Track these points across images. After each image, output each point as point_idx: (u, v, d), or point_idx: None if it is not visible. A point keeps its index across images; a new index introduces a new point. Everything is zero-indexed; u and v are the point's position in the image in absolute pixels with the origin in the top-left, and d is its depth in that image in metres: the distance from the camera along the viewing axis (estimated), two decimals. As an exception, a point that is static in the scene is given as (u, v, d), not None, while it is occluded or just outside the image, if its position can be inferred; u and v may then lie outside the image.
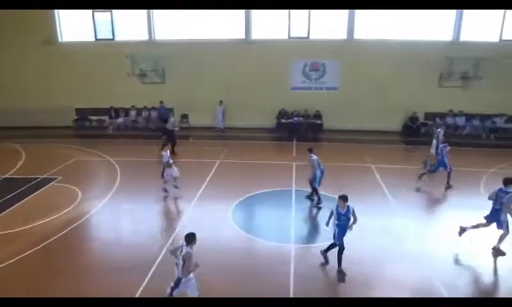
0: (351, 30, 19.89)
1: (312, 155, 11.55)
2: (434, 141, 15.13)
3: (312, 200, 11.86)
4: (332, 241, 8.51)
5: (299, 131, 19.90)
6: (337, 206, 8.31)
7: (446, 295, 7.76)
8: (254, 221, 11.56)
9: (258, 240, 10.01)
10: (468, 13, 19.07)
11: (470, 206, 12.21)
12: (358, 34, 19.93)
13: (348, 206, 8.24)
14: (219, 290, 7.63)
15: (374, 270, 8.65)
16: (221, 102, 20.79)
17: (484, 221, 9.46)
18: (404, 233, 10.32)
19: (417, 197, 12.70)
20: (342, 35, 20.05)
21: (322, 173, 11.45)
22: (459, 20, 19.23)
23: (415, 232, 10.42)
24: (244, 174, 14.62)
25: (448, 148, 13.23)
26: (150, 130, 21.19)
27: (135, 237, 10.23)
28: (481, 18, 19.06)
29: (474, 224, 9.59)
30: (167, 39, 20.83)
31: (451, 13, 19.24)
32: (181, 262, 6.57)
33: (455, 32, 19.42)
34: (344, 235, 8.35)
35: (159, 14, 20.81)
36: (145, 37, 21.02)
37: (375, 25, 19.74)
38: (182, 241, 6.77)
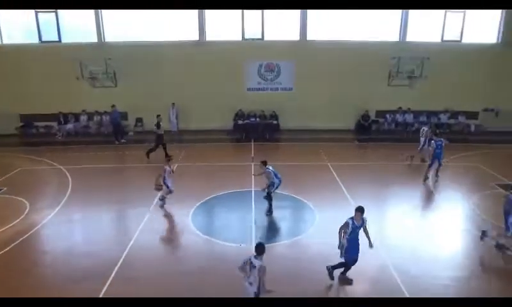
0: (303, 31, 20.30)
1: (267, 167, 11.16)
2: (422, 139, 16.04)
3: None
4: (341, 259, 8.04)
5: (256, 132, 20.01)
6: (352, 218, 7.83)
7: (399, 282, 8.11)
8: (215, 224, 11.44)
9: (219, 242, 9.92)
10: (412, 15, 20.08)
11: (419, 197, 12.93)
12: (311, 36, 20.37)
13: (363, 218, 7.85)
14: (180, 296, 7.47)
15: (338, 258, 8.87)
16: (173, 104, 20.42)
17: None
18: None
19: (371, 191, 13.18)
20: (296, 36, 20.42)
21: (280, 181, 11.29)
22: (404, 21, 20.21)
23: (372, 225, 10.78)
24: (202, 176, 14.46)
25: (446, 142, 14.10)
26: (103, 135, 20.42)
27: (90, 247, 9.77)
28: (425, 20, 20.18)
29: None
30: (118, 41, 20.17)
31: (397, 15, 20.18)
32: (257, 278, 6.14)
33: (401, 33, 20.40)
34: (356, 250, 7.94)
35: (108, 15, 20.10)
36: (94, 39, 20.23)
37: (327, 26, 20.27)
38: (248, 256, 6.33)
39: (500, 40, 20.47)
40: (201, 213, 11.54)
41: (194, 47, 20.32)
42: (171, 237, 10.34)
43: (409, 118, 21.01)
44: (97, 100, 20.49)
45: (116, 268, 8.59)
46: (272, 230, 10.79)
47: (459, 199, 12.97)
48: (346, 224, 7.85)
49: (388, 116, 21.11)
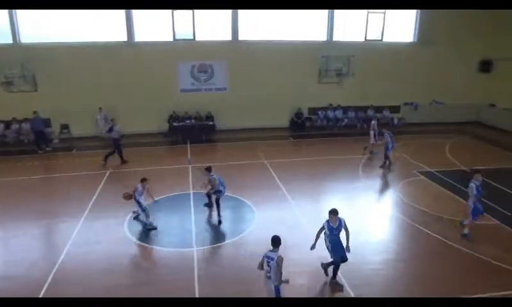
0: (235, 31, 20.37)
1: (211, 174, 10.92)
2: (372, 132, 16.72)
3: (209, 207, 11.63)
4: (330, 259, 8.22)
5: (192, 133, 19.70)
6: (328, 221, 7.92)
7: (338, 272, 8.44)
8: (153, 230, 11.06)
9: (158, 248, 9.62)
10: (338, 15, 21.05)
11: (352, 188, 13.60)
12: (243, 36, 20.51)
13: (340, 219, 7.92)
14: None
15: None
16: (100, 108, 19.38)
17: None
18: (297, 220, 10.99)
19: (308, 186, 13.62)
20: (227, 36, 20.43)
21: (224, 188, 11.09)
22: (331, 22, 21.13)
23: (308, 218, 11.15)
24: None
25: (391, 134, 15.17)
26: (24, 144, 18.79)
27: (12, 269, 8.89)
28: (349, 20, 21.27)
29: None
30: (37, 42, 18.63)
31: (324, 15, 21.04)
32: (275, 268, 6.43)
33: (328, 33, 21.30)
34: (341, 248, 8.00)
35: (24, 14, 18.48)
36: (8, 40, 18.50)
37: (259, 26, 20.54)
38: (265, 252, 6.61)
39: (416, 39, 22.22)
40: (138, 220, 11.08)
41: (123, 47, 19.46)
42: (106, 248, 9.78)
43: (339, 113, 22.01)
44: (15, 106, 18.75)
45: (43, 290, 7.91)
46: (213, 232, 10.68)
47: (386, 187, 13.91)
48: (322, 227, 8.00)
49: (320, 112, 21.95)
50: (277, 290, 6.60)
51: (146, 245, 9.78)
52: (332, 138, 19.94)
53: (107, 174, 14.57)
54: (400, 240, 10.35)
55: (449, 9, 19.96)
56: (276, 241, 6.65)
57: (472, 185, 9.84)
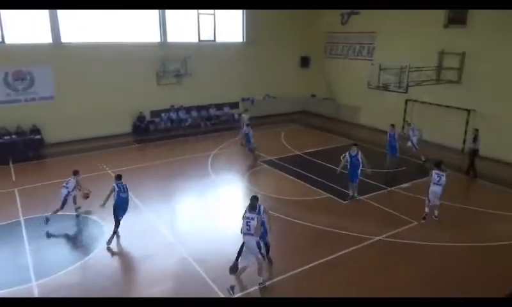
0: (56, 33, 18.15)
1: (116, 182, 9.81)
2: (244, 125, 17.23)
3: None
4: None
5: (14, 151, 16.78)
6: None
7: (202, 272, 8.44)
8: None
9: (-17, 294, 7.89)
10: (169, 16, 20.91)
11: (203, 185, 13.79)
12: (66, 38, 18.43)
13: (258, 205, 7.99)
14: None
15: (137, 267, 8.49)
16: None
17: None
18: (152, 226, 10.57)
19: (158, 190, 13.21)
20: (47, 39, 18.08)
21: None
22: (163, 23, 20.85)
23: (163, 221, 10.84)
24: None
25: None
26: None
27: None
28: (181, 21, 21.38)
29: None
30: None
31: (155, 16, 20.62)
32: (259, 222, 7.58)
33: (162, 35, 20.99)
34: (266, 234, 8.35)
35: None
36: None
37: (86, 28, 18.83)
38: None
39: (245, 39, 23.84)
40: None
41: None
42: None
43: (183, 114, 22.02)
44: None
45: None
46: (56, 258, 9.32)
47: (235, 180, 14.56)
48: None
49: (163, 115, 21.52)
50: (258, 244, 7.64)
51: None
52: (178, 139, 19.81)
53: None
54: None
55: (270, 12, 22.24)
56: (253, 203, 7.78)
57: (346, 155, 11.85)
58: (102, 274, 8.42)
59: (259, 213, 7.94)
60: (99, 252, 9.32)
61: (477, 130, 14.77)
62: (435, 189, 10.78)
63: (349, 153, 12.04)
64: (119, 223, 9.66)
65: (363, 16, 22.07)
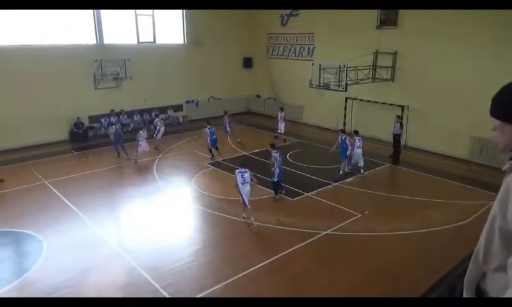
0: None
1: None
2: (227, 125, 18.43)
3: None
4: None
5: None
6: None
7: (151, 280, 8.19)
8: None
9: None
10: (105, 17, 20.03)
11: (150, 191, 13.39)
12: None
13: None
14: None
15: (82, 281, 8.05)
16: None
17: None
18: (97, 236, 10.07)
19: (101, 198, 12.62)
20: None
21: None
22: (98, 24, 19.93)
23: (109, 232, 10.38)
24: None
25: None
26: None
27: None
28: (118, 22, 20.59)
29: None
30: None
31: (89, 16, 19.66)
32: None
33: (98, 36, 20.05)
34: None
35: None
36: None
37: (14, 29, 17.48)
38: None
39: (186, 41, 23.50)
40: None
41: None
42: None
43: (124, 119, 21.20)
44: None
45: None
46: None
47: (183, 183, 14.31)
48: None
49: (103, 120, 20.57)
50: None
51: None
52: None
53: None
54: (204, 229, 10.86)
55: (210, 13, 22.13)
56: (243, 163, 11.03)
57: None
58: (42, 292, 7.85)
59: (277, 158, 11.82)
60: (37, 269, 8.69)
61: (398, 116, 16.59)
62: (358, 151, 14.00)
63: (340, 137, 14.22)
64: None
65: (301, 17, 22.70)
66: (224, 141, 18.39)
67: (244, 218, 10.74)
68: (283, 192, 12.65)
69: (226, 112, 19.20)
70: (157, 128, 18.11)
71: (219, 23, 23.75)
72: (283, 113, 19.22)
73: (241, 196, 10.43)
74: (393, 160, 16.19)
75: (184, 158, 16.82)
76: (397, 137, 16.18)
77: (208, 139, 16.06)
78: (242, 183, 10.35)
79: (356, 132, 14.43)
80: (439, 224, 10.69)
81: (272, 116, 24.42)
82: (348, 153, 14.17)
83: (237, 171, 10.56)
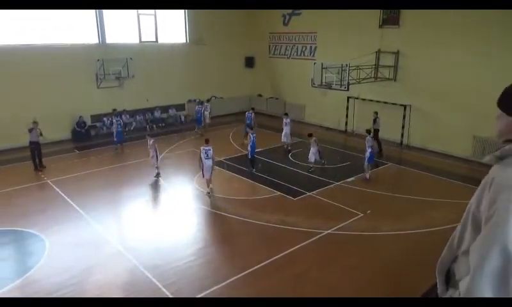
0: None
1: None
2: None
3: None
4: None
5: None
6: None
7: (152, 278, 8.20)
8: None
9: None
10: (108, 17, 20.08)
11: (153, 189, 13.42)
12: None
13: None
14: None
15: (84, 280, 8.09)
16: None
17: None
18: (100, 236, 10.09)
19: (104, 198, 12.65)
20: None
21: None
22: (101, 24, 19.96)
23: (112, 231, 10.41)
24: None
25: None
26: None
27: None
28: (120, 22, 20.62)
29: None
30: None
31: (91, 16, 19.69)
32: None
33: (100, 36, 20.08)
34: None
35: None
36: None
37: (18, 29, 17.53)
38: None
39: (188, 40, 23.50)
40: None
41: None
42: None
43: (126, 118, 21.23)
44: None
45: None
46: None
47: (184, 183, 14.33)
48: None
49: (105, 119, 20.61)
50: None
51: None
52: (122, 143, 19.02)
53: None
54: (205, 228, 10.88)
55: (212, 13, 22.14)
56: (206, 140, 12.32)
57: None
58: (44, 291, 7.88)
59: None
60: (39, 268, 8.72)
61: (376, 112, 16.93)
62: (286, 130, 16.67)
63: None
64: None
65: (303, 16, 22.67)
66: (225, 140, 18.41)
67: (208, 193, 12.40)
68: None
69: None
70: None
71: (221, 22, 23.77)
72: (288, 119, 17.62)
73: (202, 169, 12.31)
74: (380, 155, 16.42)
75: (186, 157, 16.83)
76: (376, 132, 16.38)
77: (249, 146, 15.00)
78: (206, 158, 12.26)
79: (368, 132, 14.71)
80: (441, 224, 10.64)
81: (275, 115, 24.46)
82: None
83: (202, 147, 12.44)
